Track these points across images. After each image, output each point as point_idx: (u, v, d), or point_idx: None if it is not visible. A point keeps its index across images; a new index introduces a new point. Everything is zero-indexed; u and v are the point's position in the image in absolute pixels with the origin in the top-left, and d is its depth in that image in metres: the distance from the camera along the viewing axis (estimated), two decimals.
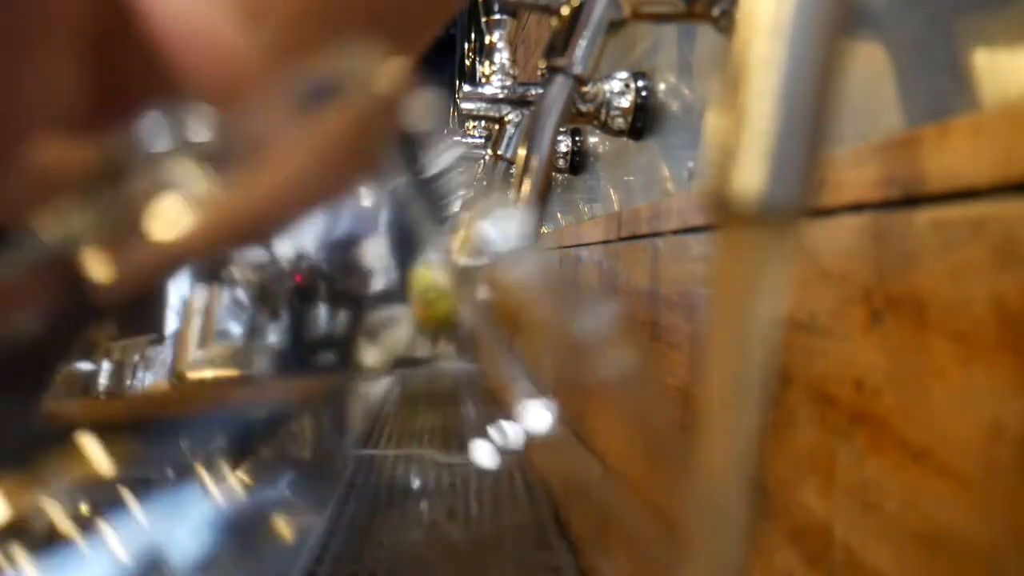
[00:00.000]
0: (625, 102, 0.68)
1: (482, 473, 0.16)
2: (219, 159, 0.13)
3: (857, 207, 0.36)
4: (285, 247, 0.14)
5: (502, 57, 1.03)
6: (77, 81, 0.12)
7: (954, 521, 0.29)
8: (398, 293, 0.15)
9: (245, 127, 0.13)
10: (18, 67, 0.11)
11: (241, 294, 0.14)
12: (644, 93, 0.74)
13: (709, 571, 0.13)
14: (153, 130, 0.13)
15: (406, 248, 0.15)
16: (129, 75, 0.13)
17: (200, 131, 0.13)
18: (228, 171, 0.13)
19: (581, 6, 0.53)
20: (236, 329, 0.14)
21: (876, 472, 0.33)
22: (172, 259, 0.13)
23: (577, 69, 0.49)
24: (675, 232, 0.32)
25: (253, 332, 0.14)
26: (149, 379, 0.14)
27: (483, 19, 1.06)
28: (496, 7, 1.02)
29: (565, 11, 0.54)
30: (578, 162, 0.93)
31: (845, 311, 0.34)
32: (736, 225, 0.14)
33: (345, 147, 0.14)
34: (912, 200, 0.32)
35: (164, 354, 0.14)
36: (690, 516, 0.13)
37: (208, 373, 0.14)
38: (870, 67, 0.42)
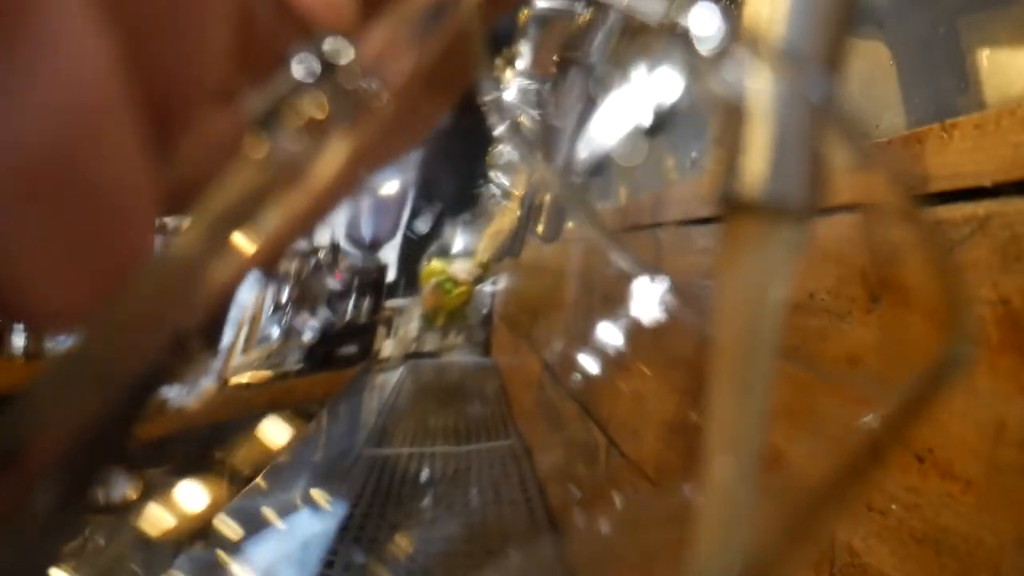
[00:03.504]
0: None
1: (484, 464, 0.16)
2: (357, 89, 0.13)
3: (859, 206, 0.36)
4: (323, 242, 0.14)
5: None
6: (227, 47, 0.12)
7: (955, 521, 0.28)
8: (410, 284, 0.15)
9: (370, 55, 0.14)
10: (181, 40, 0.11)
11: (284, 294, 0.14)
12: None
13: (716, 558, 0.13)
14: (304, 66, 0.13)
15: (420, 240, 0.15)
16: (259, 30, 0.13)
17: (342, 55, 0.13)
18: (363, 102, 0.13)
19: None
20: (275, 330, 0.14)
21: (877, 473, 0.33)
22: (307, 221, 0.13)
23: (592, 59, 0.49)
24: (678, 224, 0.32)
25: (289, 331, 0.14)
26: (200, 388, 0.14)
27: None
28: None
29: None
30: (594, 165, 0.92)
31: (845, 305, 0.34)
32: (742, 219, 0.14)
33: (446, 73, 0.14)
34: (915, 199, 0.32)
35: (215, 362, 0.14)
36: (699, 504, 0.13)
37: (246, 377, 0.14)
38: (873, 65, 0.41)
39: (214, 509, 0.14)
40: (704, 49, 0.13)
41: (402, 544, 0.15)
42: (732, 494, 0.13)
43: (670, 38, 0.14)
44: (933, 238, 0.13)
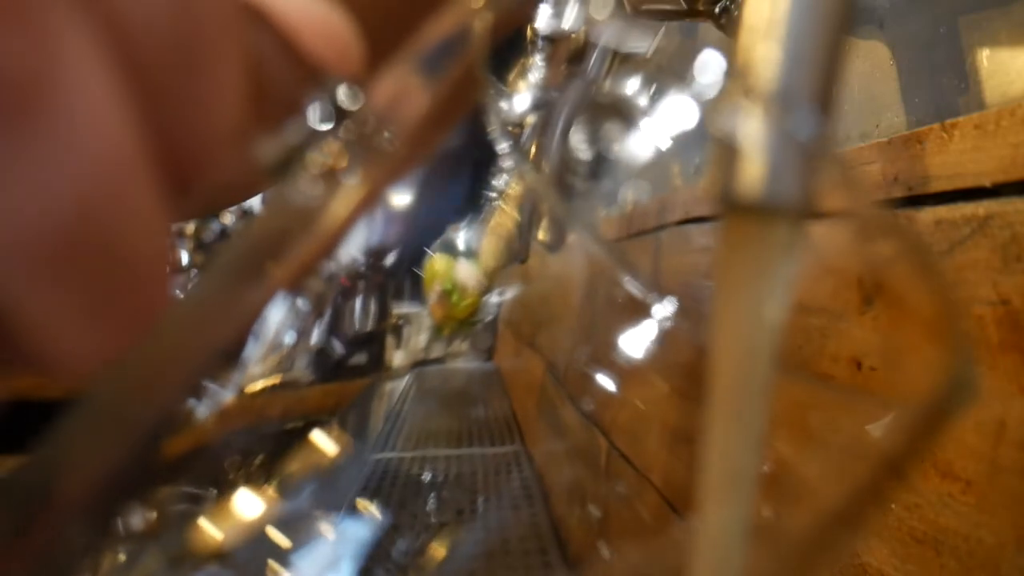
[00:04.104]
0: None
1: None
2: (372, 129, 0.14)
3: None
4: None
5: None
6: (241, 95, 0.12)
7: (955, 521, 0.28)
8: (416, 290, 0.15)
9: (381, 99, 0.14)
10: (196, 90, 0.11)
11: (301, 302, 0.14)
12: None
13: (716, 551, 0.13)
14: (318, 113, 0.14)
15: (425, 244, 0.15)
16: (271, 75, 0.14)
17: (354, 100, 0.14)
18: (381, 141, 0.14)
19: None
20: (289, 339, 0.14)
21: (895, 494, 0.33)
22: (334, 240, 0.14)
23: (591, 74, 0.49)
24: (678, 223, 0.32)
25: (300, 339, 0.14)
26: (219, 402, 0.14)
27: None
28: None
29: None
30: (598, 169, 0.92)
31: (842, 306, 0.34)
32: (740, 219, 0.14)
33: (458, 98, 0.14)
34: (916, 199, 0.32)
35: (235, 375, 0.14)
36: (698, 502, 0.13)
37: (260, 384, 0.14)
38: (873, 65, 0.41)
39: (243, 524, 0.14)
40: (697, 87, 0.13)
41: (405, 547, 0.15)
42: (727, 528, 0.13)
43: (660, 70, 0.14)
44: (919, 253, 0.13)
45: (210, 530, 0.13)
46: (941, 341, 0.13)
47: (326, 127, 0.14)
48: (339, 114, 0.14)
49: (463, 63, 0.14)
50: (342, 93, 0.14)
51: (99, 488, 0.12)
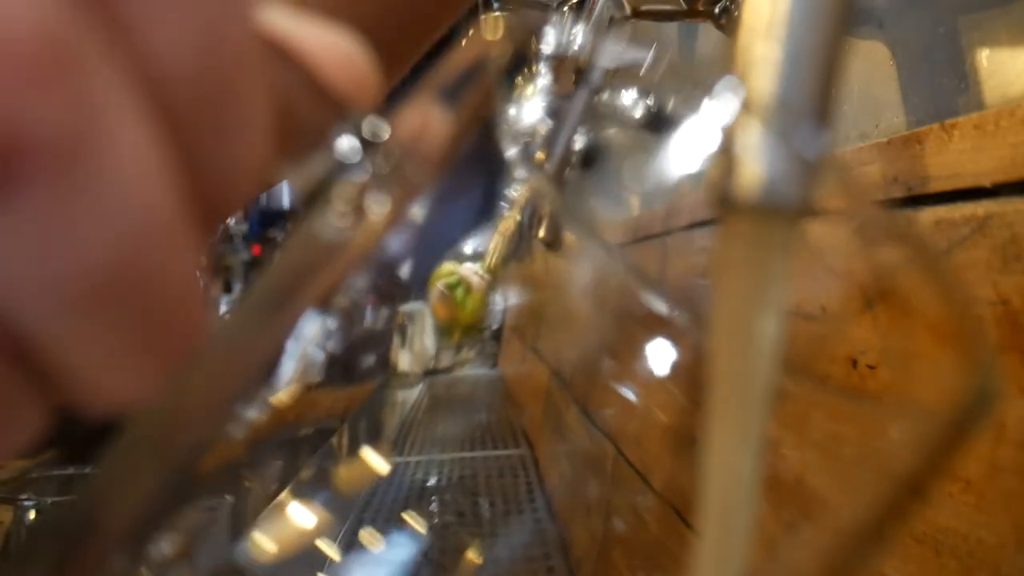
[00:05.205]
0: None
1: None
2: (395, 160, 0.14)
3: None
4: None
5: None
6: (269, 128, 0.12)
7: (955, 521, 0.28)
8: (422, 296, 0.15)
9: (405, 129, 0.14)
10: (228, 135, 0.12)
11: (329, 318, 0.14)
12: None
13: (716, 563, 0.13)
14: (344, 146, 0.14)
15: (435, 249, 0.15)
16: (294, 109, 0.14)
17: (379, 133, 0.14)
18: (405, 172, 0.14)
19: (582, 4, 0.53)
20: (318, 354, 0.14)
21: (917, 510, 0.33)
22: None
23: (595, 79, 0.49)
24: (684, 228, 0.32)
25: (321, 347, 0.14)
26: (250, 417, 0.14)
27: (483, 18, 1.06)
28: (496, 5, 1.02)
29: (566, 9, 0.54)
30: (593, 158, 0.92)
31: (846, 308, 0.34)
32: (738, 220, 0.14)
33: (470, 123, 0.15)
34: (915, 199, 0.32)
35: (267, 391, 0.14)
36: (699, 508, 0.13)
37: (284, 395, 0.14)
38: (873, 65, 0.41)
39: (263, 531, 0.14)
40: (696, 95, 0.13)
41: (411, 551, 0.15)
42: (731, 496, 0.13)
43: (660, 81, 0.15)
44: (927, 255, 0.13)
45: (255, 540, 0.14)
46: (955, 347, 0.12)
47: (353, 160, 0.14)
48: (365, 147, 0.14)
49: (479, 89, 0.15)
50: (367, 126, 0.14)
51: (139, 517, 0.13)
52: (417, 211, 0.15)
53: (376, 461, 0.15)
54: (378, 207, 0.14)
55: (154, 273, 0.11)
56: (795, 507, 0.14)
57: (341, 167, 0.14)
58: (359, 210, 0.14)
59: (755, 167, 0.13)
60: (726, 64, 0.15)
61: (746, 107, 0.13)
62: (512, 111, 0.15)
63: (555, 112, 0.16)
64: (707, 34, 0.68)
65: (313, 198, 0.14)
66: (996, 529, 0.27)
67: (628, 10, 0.50)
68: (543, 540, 0.16)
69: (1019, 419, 0.26)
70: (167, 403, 0.12)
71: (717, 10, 0.49)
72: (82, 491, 0.13)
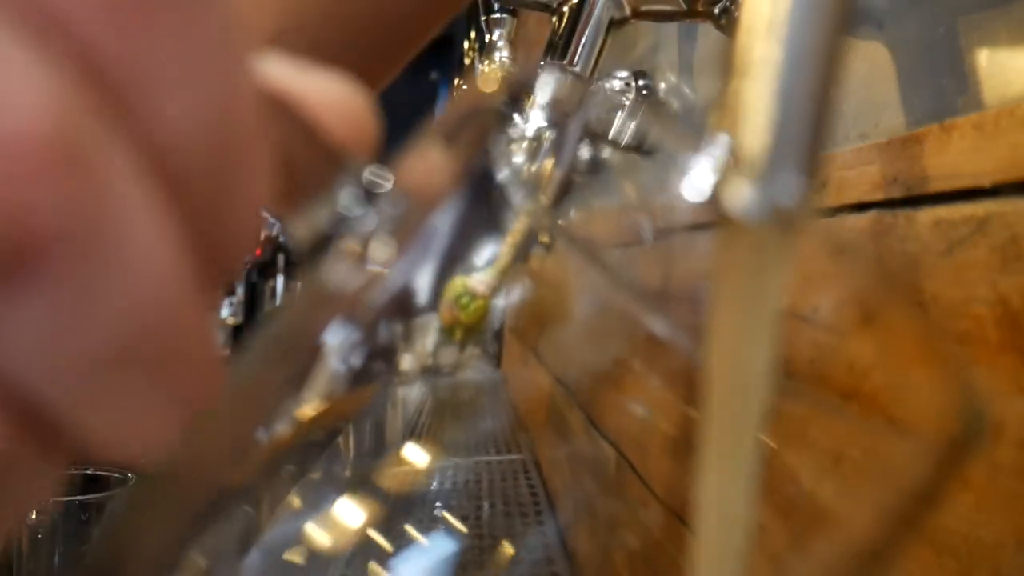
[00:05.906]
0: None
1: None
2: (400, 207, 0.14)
3: (860, 207, 0.36)
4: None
5: (502, 55, 1.02)
6: (273, 185, 0.13)
7: (954, 521, 0.28)
8: (434, 309, 0.15)
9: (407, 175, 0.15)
10: (233, 197, 0.12)
11: (353, 332, 0.14)
12: (645, 92, 0.74)
13: (714, 564, 0.13)
14: (351, 196, 0.14)
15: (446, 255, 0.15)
16: (296, 161, 0.14)
17: (381, 181, 0.14)
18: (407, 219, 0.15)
19: (582, 4, 0.53)
20: (342, 368, 0.15)
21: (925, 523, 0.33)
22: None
23: (577, 69, 0.49)
24: (687, 230, 0.32)
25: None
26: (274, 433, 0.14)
27: (483, 17, 1.06)
28: (496, 5, 1.02)
29: (565, 9, 0.54)
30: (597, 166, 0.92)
31: (840, 321, 0.34)
32: (735, 231, 0.14)
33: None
34: (915, 199, 0.32)
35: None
36: (697, 511, 0.13)
37: (309, 409, 0.14)
38: (872, 66, 0.42)
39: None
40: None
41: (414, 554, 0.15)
42: (728, 499, 0.13)
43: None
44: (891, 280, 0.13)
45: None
46: (937, 371, 0.13)
47: (355, 211, 0.14)
48: (367, 196, 0.14)
49: (478, 131, 0.15)
50: (369, 174, 0.14)
51: (159, 561, 0.13)
52: (427, 235, 0.15)
53: (418, 457, 0.15)
54: (383, 254, 0.14)
55: (171, 339, 0.11)
56: (799, 519, 0.14)
57: (343, 218, 0.14)
58: (364, 261, 0.14)
59: (750, 176, 0.13)
60: (726, 64, 0.15)
61: (745, 110, 0.13)
62: (517, 119, 0.15)
63: (555, 125, 0.16)
64: (707, 34, 0.68)
65: (317, 248, 0.14)
66: (995, 529, 0.27)
67: (628, 10, 0.50)
68: (546, 545, 0.16)
69: (1019, 419, 0.26)
70: (183, 452, 0.13)
71: (717, 10, 0.49)
72: (100, 542, 0.13)
